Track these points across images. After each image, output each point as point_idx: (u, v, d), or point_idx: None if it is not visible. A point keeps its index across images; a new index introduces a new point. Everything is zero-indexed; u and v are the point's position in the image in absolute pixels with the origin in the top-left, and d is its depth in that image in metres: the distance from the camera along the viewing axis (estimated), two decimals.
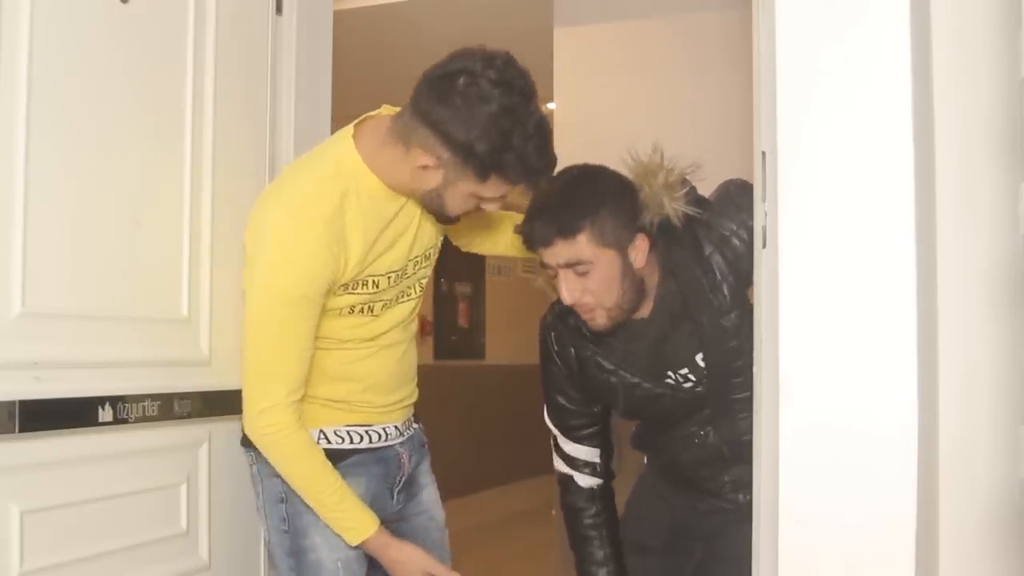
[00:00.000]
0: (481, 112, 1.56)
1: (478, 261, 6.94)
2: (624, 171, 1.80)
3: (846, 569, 1.22)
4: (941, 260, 1.31)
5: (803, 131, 1.26)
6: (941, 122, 1.31)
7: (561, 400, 1.95)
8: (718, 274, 1.78)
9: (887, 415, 1.21)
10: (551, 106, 3.41)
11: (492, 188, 1.63)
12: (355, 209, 1.69)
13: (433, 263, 1.91)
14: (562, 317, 1.90)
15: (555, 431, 1.98)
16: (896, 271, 1.21)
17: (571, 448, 1.97)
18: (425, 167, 1.63)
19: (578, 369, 1.90)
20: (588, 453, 1.96)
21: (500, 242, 2.07)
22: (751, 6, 1.40)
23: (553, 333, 1.91)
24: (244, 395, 1.73)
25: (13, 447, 1.54)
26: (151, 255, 1.82)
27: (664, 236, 1.78)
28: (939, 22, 1.31)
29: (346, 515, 1.74)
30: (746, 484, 1.88)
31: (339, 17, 2.39)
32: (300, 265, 1.65)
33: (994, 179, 1.30)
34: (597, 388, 1.92)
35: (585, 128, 3.13)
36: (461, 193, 1.66)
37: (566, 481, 1.98)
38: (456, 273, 6.60)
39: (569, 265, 1.71)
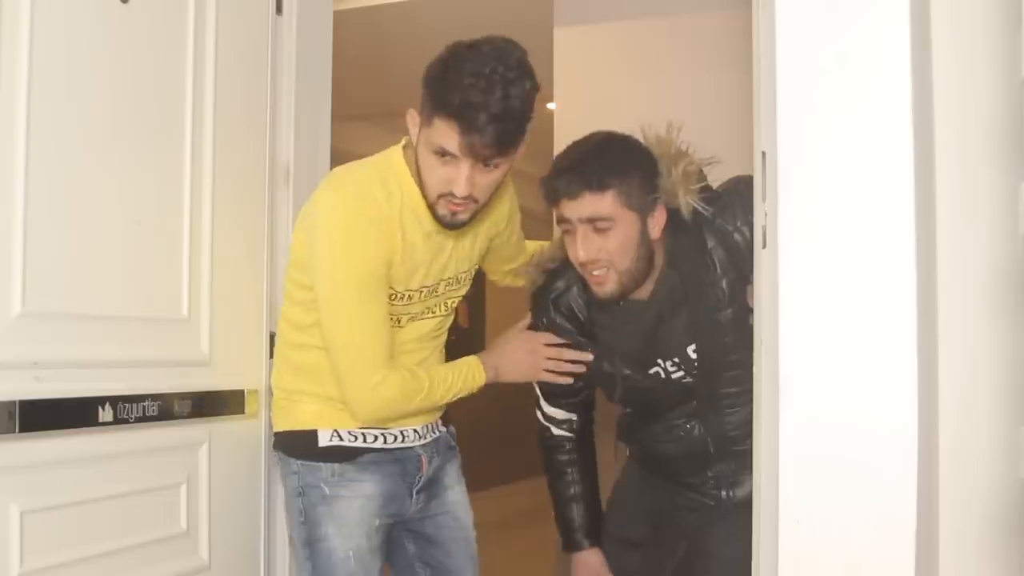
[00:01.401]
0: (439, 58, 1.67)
1: None
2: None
3: (846, 569, 1.22)
4: (941, 260, 1.31)
5: (803, 131, 1.26)
6: (941, 122, 1.31)
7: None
8: (719, 268, 1.78)
9: (887, 415, 1.21)
10: (551, 106, 3.41)
11: (439, 131, 1.66)
12: (399, 212, 1.77)
13: (464, 288, 1.96)
14: (554, 298, 1.91)
15: (537, 392, 2.03)
16: (896, 271, 1.21)
17: (551, 410, 2.03)
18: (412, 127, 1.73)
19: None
20: (566, 415, 2.02)
21: None
22: (751, 6, 1.40)
23: (543, 312, 1.93)
24: (349, 385, 1.78)
25: (13, 447, 1.54)
26: (151, 255, 1.82)
27: (671, 224, 1.79)
28: (939, 22, 1.31)
29: (461, 378, 1.89)
30: (729, 481, 1.89)
31: (339, 17, 2.39)
32: (359, 245, 1.72)
33: (994, 179, 1.30)
34: (590, 374, 1.94)
35: (585, 128, 3.11)
36: (424, 150, 1.71)
37: (543, 429, 2.05)
38: None
39: (591, 220, 1.71)
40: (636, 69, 3.21)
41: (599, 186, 1.70)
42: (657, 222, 1.76)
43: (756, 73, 1.36)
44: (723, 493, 1.90)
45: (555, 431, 2.03)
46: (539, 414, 2.06)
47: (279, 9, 2.14)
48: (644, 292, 1.82)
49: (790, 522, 1.25)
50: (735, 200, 1.79)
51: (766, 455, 1.31)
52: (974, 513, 1.29)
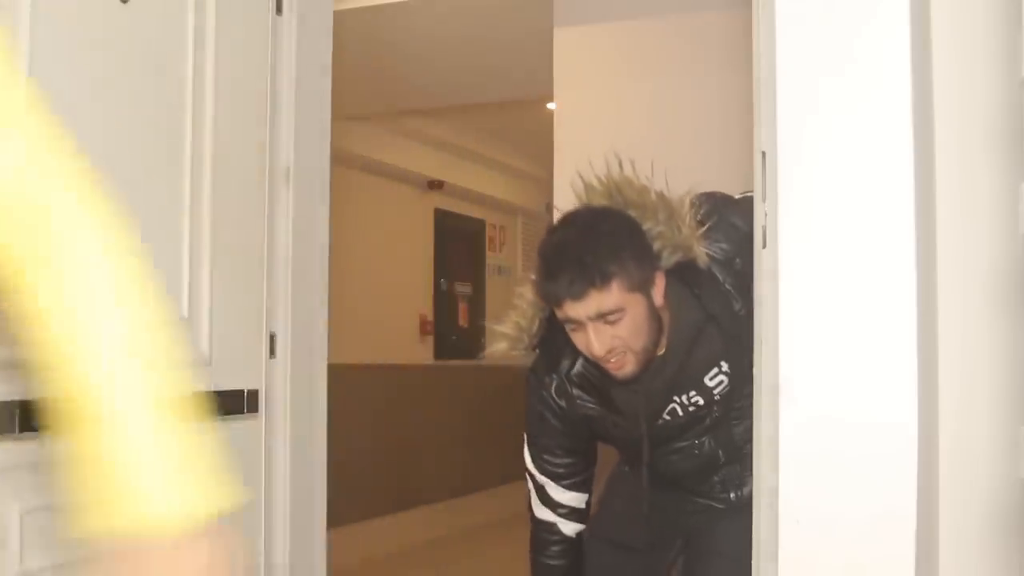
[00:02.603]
0: None
1: (479, 261, 6.94)
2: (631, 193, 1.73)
3: (846, 569, 1.22)
4: (941, 260, 1.31)
5: (803, 131, 1.26)
6: (941, 122, 1.31)
7: (558, 451, 1.86)
8: (735, 296, 1.73)
9: (887, 415, 1.21)
10: (551, 106, 3.41)
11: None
12: None
13: None
14: (566, 373, 1.79)
15: (543, 480, 1.88)
16: (896, 271, 1.21)
17: (562, 496, 1.88)
18: None
19: (587, 427, 1.84)
20: (578, 499, 1.89)
21: None
22: (751, 6, 1.40)
23: (555, 388, 1.80)
24: None
25: (13, 447, 1.54)
26: (151, 255, 1.81)
27: (678, 271, 1.72)
28: (939, 22, 1.31)
29: None
30: (736, 482, 1.87)
31: (339, 17, 2.39)
32: None
33: (994, 179, 1.30)
34: (608, 439, 1.87)
35: (585, 128, 3.14)
36: None
37: (547, 529, 1.89)
38: (456, 273, 6.61)
39: (601, 316, 1.61)
40: (636, 69, 3.21)
41: (603, 281, 1.58)
42: (659, 289, 1.67)
43: (756, 73, 1.36)
44: (731, 495, 1.88)
45: (564, 528, 1.88)
46: (544, 511, 1.89)
47: (279, 9, 2.14)
48: (660, 348, 1.74)
49: (790, 522, 1.25)
50: (721, 224, 1.74)
51: (766, 454, 1.31)
52: (974, 512, 1.29)
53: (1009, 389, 1.28)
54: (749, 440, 1.68)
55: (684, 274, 1.73)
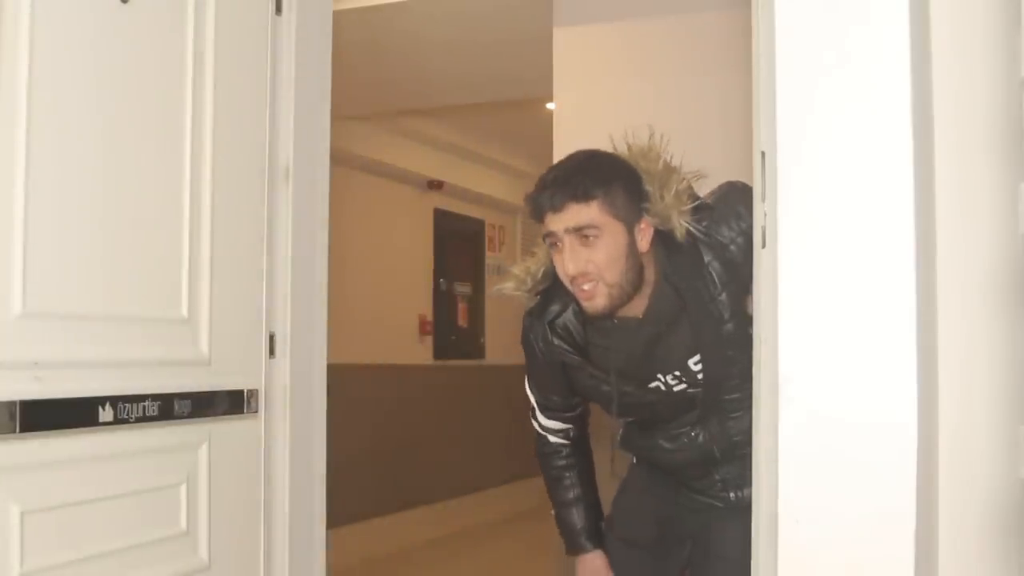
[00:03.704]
0: None
1: (478, 261, 6.95)
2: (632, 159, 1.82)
3: (846, 569, 1.22)
4: (941, 260, 1.31)
5: (803, 131, 1.26)
6: (941, 122, 1.31)
7: (543, 388, 2.00)
8: (718, 282, 1.77)
9: (887, 415, 1.21)
10: (551, 106, 3.41)
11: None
12: None
13: None
14: (550, 320, 1.89)
15: (534, 403, 2.04)
16: (896, 270, 1.21)
17: (548, 422, 2.03)
18: None
19: (563, 374, 1.92)
20: (561, 426, 2.03)
21: None
22: (751, 6, 1.40)
23: (539, 333, 1.90)
24: None
25: (13, 447, 1.54)
26: (151, 255, 1.82)
27: (664, 241, 1.78)
28: (939, 22, 1.31)
29: None
30: (737, 483, 1.89)
31: (339, 17, 2.39)
32: None
33: (994, 179, 1.30)
34: (588, 392, 1.93)
35: (585, 128, 3.13)
36: None
37: (540, 438, 2.06)
38: (456, 273, 6.61)
39: (577, 229, 1.69)
40: (636, 69, 3.21)
41: (584, 196, 1.69)
42: (644, 234, 1.74)
43: (756, 73, 1.36)
44: (731, 495, 1.90)
45: (552, 439, 2.05)
46: (535, 424, 2.07)
47: (279, 9, 2.14)
48: (638, 309, 1.80)
49: (790, 522, 1.25)
50: (728, 212, 1.78)
51: (766, 454, 1.31)
52: (974, 512, 1.29)
53: (1009, 389, 1.28)
54: (747, 439, 1.69)
55: (667, 246, 1.78)
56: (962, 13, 1.32)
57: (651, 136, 1.81)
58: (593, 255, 1.70)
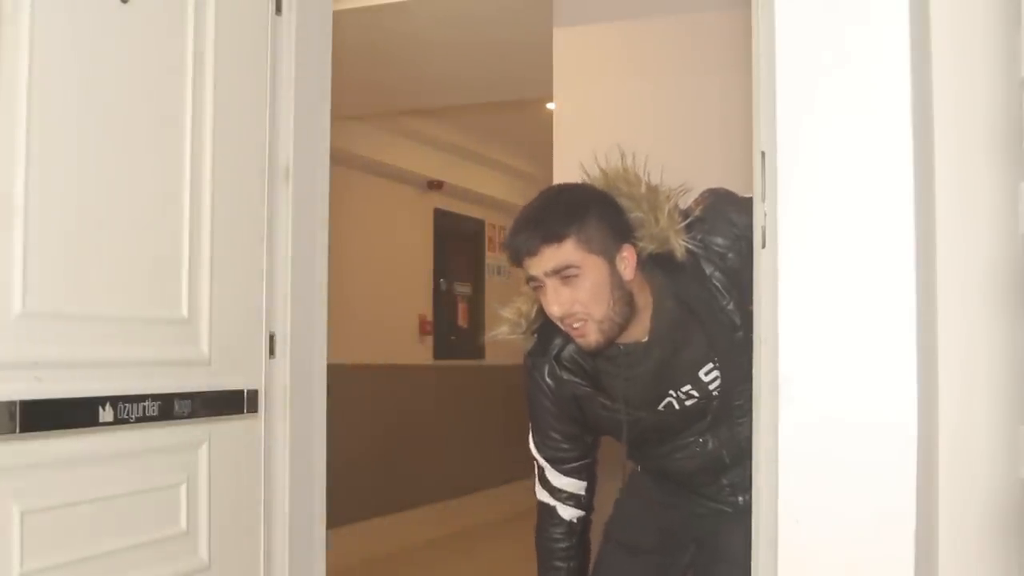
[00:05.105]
0: None
1: (478, 261, 6.95)
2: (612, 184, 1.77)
3: (846, 569, 1.22)
4: (941, 260, 1.31)
5: (803, 131, 1.26)
6: (941, 122, 1.31)
7: (554, 435, 1.90)
8: (723, 292, 1.75)
9: (887, 414, 1.21)
10: (551, 106, 3.41)
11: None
12: None
13: None
14: (555, 355, 1.84)
15: (543, 463, 1.93)
16: (896, 271, 1.21)
17: (559, 481, 1.93)
18: None
19: (577, 408, 1.86)
20: (575, 485, 1.93)
21: None
22: (751, 6, 1.40)
23: (547, 370, 1.85)
24: None
25: (13, 447, 1.54)
26: (151, 255, 1.82)
27: (661, 264, 1.75)
28: (939, 22, 1.31)
29: None
30: (744, 486, 1.87)
31: (339, 17, 2.39)
32: None
33: (994, 179, 1.30)
34: (598, 423, 1.88)
35: (585, 128, 3.14)
36: None
37: (547, 511, 1.94)
38: (456, 273, 6.61)
39: (556, 271, 1.66)
40: (636, 69, 3.21)
41: (555, 237, 1.65)
42: (627, 262, 1.71)
43: (756, 73, 1.36)
44: (739, 498, 1.88)
45: (562, 512, 1.93)
46: (543, 495, 1.94)
47: (279, 9, 2.14)
48: (641, 333, 1.77)
49: (790, 522, 1.25)
50: (719, 221, 1.76)
51: (766, 454, 1.31)
52: (974, 512, 1.29)
53: (1008, 389, 1.28)
54: None
55: (665, 265, 1.75)
56: (962, 13, 1.32)
57: (622, 158, 1.77)
58: (577, 294, 1.67)
